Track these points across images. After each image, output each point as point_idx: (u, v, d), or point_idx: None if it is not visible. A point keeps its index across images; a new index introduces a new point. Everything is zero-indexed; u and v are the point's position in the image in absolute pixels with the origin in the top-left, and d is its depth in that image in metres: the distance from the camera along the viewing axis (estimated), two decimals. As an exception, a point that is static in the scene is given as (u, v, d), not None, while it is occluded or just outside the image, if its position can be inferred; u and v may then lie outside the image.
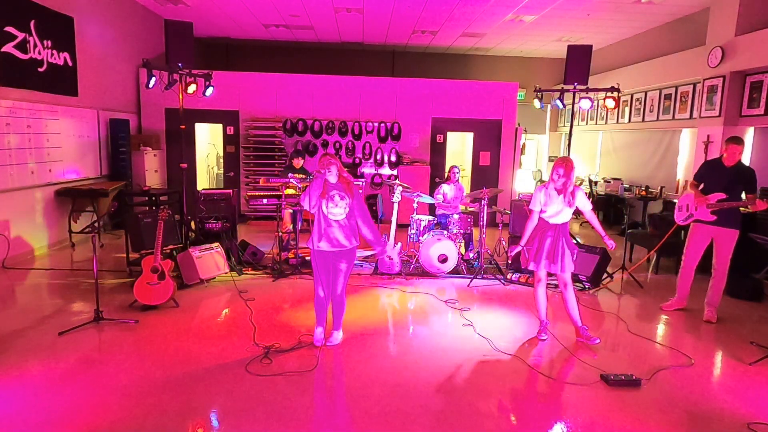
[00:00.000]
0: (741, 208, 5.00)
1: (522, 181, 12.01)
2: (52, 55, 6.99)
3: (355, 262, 6.81)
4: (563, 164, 4.19)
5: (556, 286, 5.23)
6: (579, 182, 11.06)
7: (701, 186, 5.05)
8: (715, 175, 4.93)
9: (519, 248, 4.49)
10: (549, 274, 4.48)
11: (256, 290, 5.60)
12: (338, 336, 4.31)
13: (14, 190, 6.45)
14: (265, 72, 10.50)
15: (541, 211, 4.32)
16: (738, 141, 4.85)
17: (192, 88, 6.11)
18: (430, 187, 9.79)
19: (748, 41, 6.86)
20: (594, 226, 4.49)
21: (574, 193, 4.21)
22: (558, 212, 4.26)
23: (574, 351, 4.30)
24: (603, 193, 10.19)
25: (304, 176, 6.96)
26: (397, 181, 7.11)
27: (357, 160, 10.12)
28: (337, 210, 3.98)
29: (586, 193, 4.35)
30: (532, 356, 4.17)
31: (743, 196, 4.87)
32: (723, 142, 5.09)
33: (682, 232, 5.86)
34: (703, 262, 5.22)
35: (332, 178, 3.99)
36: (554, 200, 4.23)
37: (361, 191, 9.52)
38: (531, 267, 4.43)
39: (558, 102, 6.61)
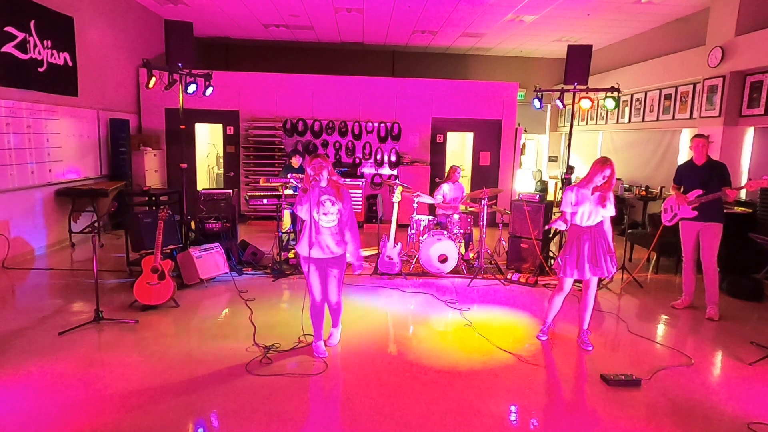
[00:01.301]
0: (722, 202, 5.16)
1: (522, 181, 12.00)
2: (52, 55, 6.99)
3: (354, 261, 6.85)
4: (609, 165, 4.02)
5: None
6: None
7: (681, 188, 5.32)
8: (690, 174, 5.25)
9: (557, 222, 4.27)
10: (576, 282, 4.35)
11: (256, 290, 5.60)
12: (337, 334, 4.34)
13: (14, 190, 6.45)
14: (265, 72, 10.50)
15: (573, 213, 4.15)
16: (700, 135, 5.24)
17: (192, 88, 6.11)
18: (430, 187, 9.79)
19: (748, 41, 6.86)
20: (606, 237, 4.23)
21: (608, 195, 4.05)
22: (590, 213, 4.08)
23: (575, 351, 4.30)
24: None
25: (303, 176, 6.95)
26: (397, 181, 7.11)
27: (357, 160, 10.12)
28: (330, 217, 3.85)
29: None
30: (532, 356, 4.17)
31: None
32: (696, 142, 5.28)
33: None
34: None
35: (322, 182, 3.85)
36: (586, 200, 4.08)
37: (360, 191, 9.60)
38: (575, 276, 4.18)
39: (558, 102, 6.61)
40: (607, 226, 4.19)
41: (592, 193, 4.07)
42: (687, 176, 5.27)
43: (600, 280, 6.01)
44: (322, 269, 3.95)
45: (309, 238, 3.85)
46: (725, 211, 5.92)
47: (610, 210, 4.11)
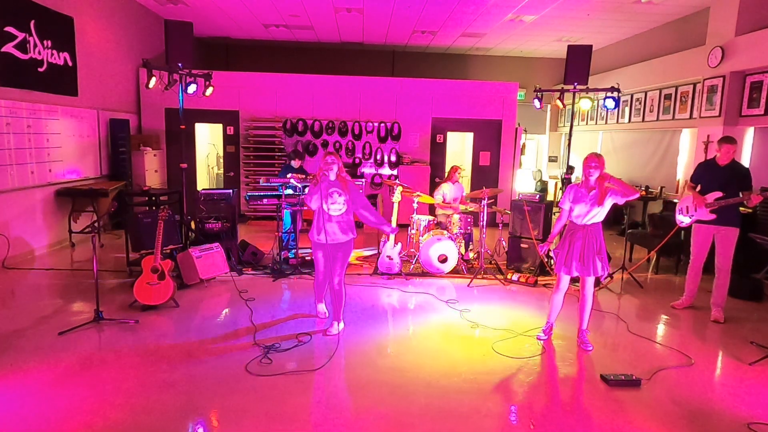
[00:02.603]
0: (740, 207, 5.03)
1: (522, 181, 12.00)
2: (52, 55, 6.99)
3: (354, 261, 6.88)
4: (592, 158, 4.08)
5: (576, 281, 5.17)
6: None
7: (698, 187, 5.14)
8: (711, 174, 5.04)
9: (546, 247, 4.44)
10: (573, 280, 4.40)
11: (256, 290, 5.60)
12: (338, 327, 4.51)
13: (14, 190, 6.45)
14: (265, 72, 10.50)
15: (570, 210, 4.18)
16: (732, 141, 4.98)
17: (192, 88, 6.11)
18: (430, 187, 9.78)
19: (748, 41, 6.86)
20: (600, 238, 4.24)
21: (607, 193, 4.02)
22: (586, 212, 4.09)
23: (575, 351, 4.30)
24: (603, 193, 10.17)
25: (303, 176, 6.96)
26: (397, 181, 7.11)
27: (357, 160, 10.12)
28: (336, 206, 4.28)
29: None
30: (532, 356, 4.17)
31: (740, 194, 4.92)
32: (716, 142, 5.13)
33: (683, 232, 5.87)
34: (707, 263, 5.26)
35: (332, 176, 4.28)
36: (582, 201, 4.10)
37: (361, 191, 9.59)
38: (563, 272, 4.24)
39: (536, 101, 6.66)
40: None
41: (589, 192, 4.09)
42: (707, 176, 5.08)
43: (598, 281, 6.04)
44: (330, 253, 4.38)
45: (318, 225, 4.30)
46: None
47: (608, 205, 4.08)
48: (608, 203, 4.08)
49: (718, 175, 4.97)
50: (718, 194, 4.90)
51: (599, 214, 4.12)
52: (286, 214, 7.11)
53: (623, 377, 3.73)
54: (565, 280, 4.31)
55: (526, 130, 11.18)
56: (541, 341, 4.45)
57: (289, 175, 6.69)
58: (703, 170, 5.20)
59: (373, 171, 10.17)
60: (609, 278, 6.25)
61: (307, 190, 6.36)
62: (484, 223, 6.46)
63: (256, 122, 10.02)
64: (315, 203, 4.28)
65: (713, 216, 4.94)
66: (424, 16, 9.42)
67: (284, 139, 9.98)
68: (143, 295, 4.85)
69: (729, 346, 4.50)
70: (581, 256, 4.13)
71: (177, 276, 5.54)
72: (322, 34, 11.31)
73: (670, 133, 9.00)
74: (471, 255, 6.98)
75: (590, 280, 4.24)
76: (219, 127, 10.39)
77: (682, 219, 5.27)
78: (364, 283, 6.03)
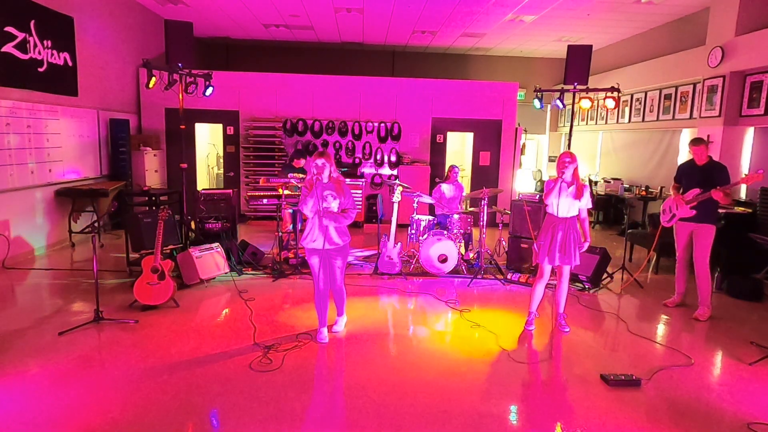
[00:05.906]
0: (718, 206, 5.16)
1: (522, 181, 12.00)
2: (52, 55, 6.99)
3: (355, 262, 6.88)
4: (567, 153, 4.40)
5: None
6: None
7: (681, 188, 5.34)
8: (690, 174, 5.27)
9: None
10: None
11: (256, 290, 5.60)
12: (342, 322, 4.55)
13: (14, 190, 6.45)
14: (265, 72, 10.50)
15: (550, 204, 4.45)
16: (698, 142, 5.20)
17: (192, 88, 6.10)
18: (430, 187, 9.79)
19: (748, 41, 6.86)
20: (583, 226, 4.53)
21: (582, 188, 4.37)
22: (567, 206, 4.38)
23: (575, 351, 4.30)
24: (603, 193, 10.19)
25: (303, 176, 6.95)
26: (397, 181, 7.11)
27: (357, 160, 10.12)
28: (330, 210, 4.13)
29: (591, 193, 4.54)
30: (533, 356, 4.18)
31: None
32: (694, 150, 5.27)
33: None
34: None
35: (324, 179, 4.09)
36: (564, 194, 4.37)
37: (360, 191, 9.60)
38: (545, 262, 4.48)
39: (558, 102, 6.61)
40: (584, 216, 4.51)
41: (568, 187, 4.37)
42: (686, 175, 5.30)
43: (598, 282, 6.04)
44: (326, 259, 4.20)
45: (312, 230, 4.11)
46: (725, 211, 5.91)
47: (586, 201, 4.42)
48: (584, 197, 4.39)
49: (696, 174, 5.17)
50: (696, 191, 5.07)
51: (576, 207, 4.42)
52: (287, 214, 7.11)
53: (623, 377, 3.73)
54: (547, 269, 4.54)
55: (526, 130, 11.18)
56: (529, 330, 4.61)
57: (289, 176, 6.70)
58: (683, 170, 5.40)
59: (373, 171, 10.17)
60: (609, 278, 6.25)
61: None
62: (484, 223, 6.46)
63: (256, 122, 10.02)
64: (308, 210, 4.06)
65: (693, 213, 5.11)
66: (424, 16, 9.42)
67: (284, 139, 9.98)
68: (143, 295, 4.85)
69: (729, 346, 4.50)
70: (563, 247, 4.40)
71: (177, 276, 5.54)
72: (322, 34, 11.31)
73: (670, 133, 9.00)
74: (471, 255, 6.97)
75: (567, 269, 4.51)
76: (219, 127, 10.39)
77: (665, 218, 5.48)
78: (364, 283, 6.03)
